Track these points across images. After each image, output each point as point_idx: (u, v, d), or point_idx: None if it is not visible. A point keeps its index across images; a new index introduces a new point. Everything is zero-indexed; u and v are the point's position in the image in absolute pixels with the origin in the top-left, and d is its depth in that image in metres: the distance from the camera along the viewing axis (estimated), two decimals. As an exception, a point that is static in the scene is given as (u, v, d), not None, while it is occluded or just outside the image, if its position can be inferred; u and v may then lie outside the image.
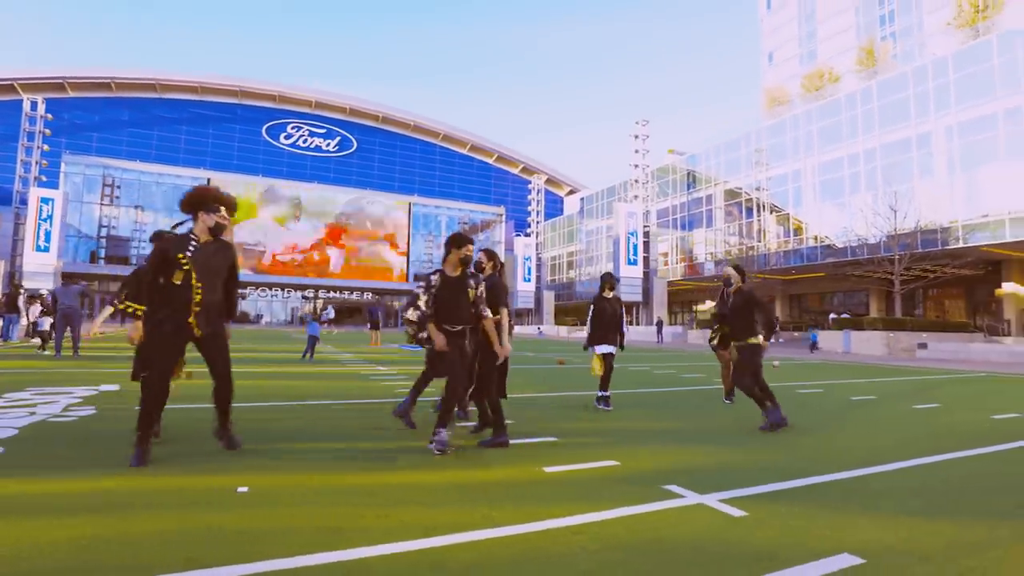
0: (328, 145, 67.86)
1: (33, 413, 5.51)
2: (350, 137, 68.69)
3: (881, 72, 34.42)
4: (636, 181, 38.45)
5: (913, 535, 2.72)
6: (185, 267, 3.76)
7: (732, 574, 2.25)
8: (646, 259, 38.71)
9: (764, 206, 37.47)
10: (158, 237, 4.07)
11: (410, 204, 62.14)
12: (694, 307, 48.30)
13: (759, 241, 37.54)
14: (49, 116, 42.64)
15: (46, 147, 41.69)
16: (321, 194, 58.88)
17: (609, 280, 6.70)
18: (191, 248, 3.83)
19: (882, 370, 14.60)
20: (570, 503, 3.09)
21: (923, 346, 22.51)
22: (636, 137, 38.44)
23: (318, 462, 3.92)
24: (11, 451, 3.99)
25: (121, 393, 7.12)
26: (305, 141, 67.16)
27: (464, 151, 73.57)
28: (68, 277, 48.19)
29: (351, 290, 58.04)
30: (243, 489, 3.22)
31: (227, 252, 4.02)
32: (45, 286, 37.95)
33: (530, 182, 62.99)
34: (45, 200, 41.30)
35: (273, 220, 56.20)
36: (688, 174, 43.87)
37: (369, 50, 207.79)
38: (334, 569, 2.21)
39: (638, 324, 40.38)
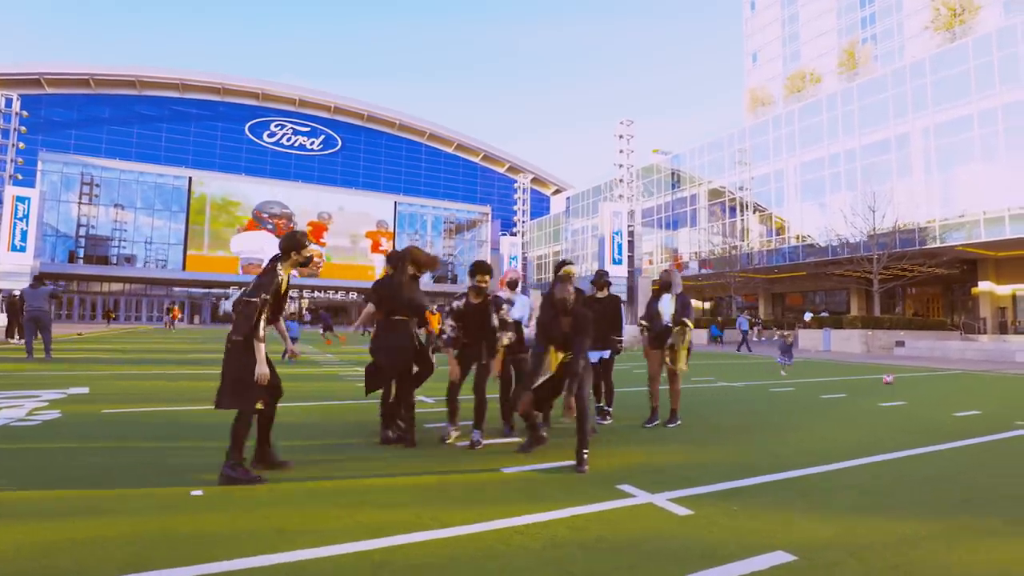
0: (312, 144, 67.28)
1: (-4, 417, 5.45)
2: (334, 136, 68.19)
3: (862, 74, 34.90)
4: (621, 180, 38.63)
5: (849, 531, 2.80)
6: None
7: (664, 571, 2.30)
8: (631, 258, 38.88)
9: (747, 205, 37.83)
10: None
11: (395, 203, 61.91)
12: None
13: (742, 240, 37.90)
14: (25, 113, 41.87)
15: (21, 145, 40.91)
16: (304, 192, 58.49)
17: (598, 279, 6.37)
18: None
19: (857, 368, 14.85)
20: (521, 503, 3.13)
21: (900, 344, 22.90)
22: (620, 137, 38.55)
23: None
24: (-33, 456, 3.95)
25: (90, 396, 7.06)
26: (289, 139, 66.51)
27: (450, 150, 73.36)
28: (46, 277, 47.22)
29: (335, 289, 57.72)
30: (197, 493, 3.22)
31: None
32: (21, 287, 37.20)
33: (516, 181, 63.03)
34: (21, 199, 40.44)
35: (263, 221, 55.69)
36: (673, 174, 44.12)
37: (353, 48, 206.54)
38: (275, 571, 2.24)
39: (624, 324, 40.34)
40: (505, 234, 58.33)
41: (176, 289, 53.89)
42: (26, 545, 2.44)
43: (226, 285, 54.70)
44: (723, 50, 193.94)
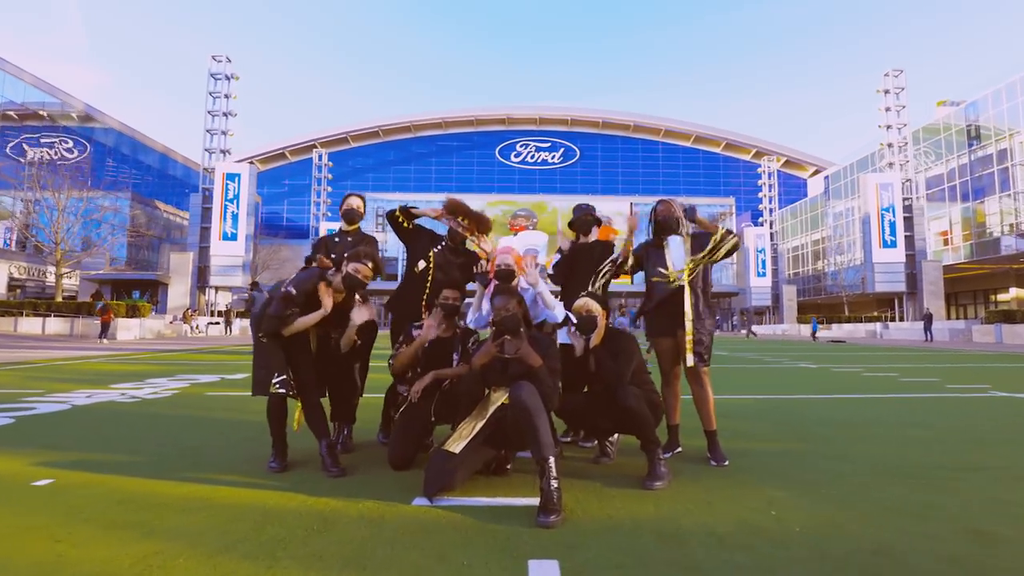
0: (553, 157, 71.54)
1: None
2: (572, 147, 71.32)
3: None
4: (890, 146, 31.31)
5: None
6: None
7: None
8: (909, 239, 31.12)
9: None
10: None
11: (631, 204, 61.42)
12: (992, 296, 37.29)
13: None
14: (330, 164, 53.68)
15: (328, 189, 52.70)
16: (546, 204, 62.29)
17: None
18: None
19: None
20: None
21: None
22: (887, 92, 31.22)
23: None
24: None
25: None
26: (533, 156, 71.95)
27: (688, 144, 70.17)
28: (353, 292, 59.32)
29: (576, 293, 59.93)
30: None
31: None
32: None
33: (760, 166, 57.09)
34: (330, 232, 52.00)
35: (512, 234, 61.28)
36: (969, 128, 34.41)
37: (584, 58, 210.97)
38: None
39: (902, 320, 32.73)
40: (750, 225, 53.06)
41: (444, 299, 62.67)
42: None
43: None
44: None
